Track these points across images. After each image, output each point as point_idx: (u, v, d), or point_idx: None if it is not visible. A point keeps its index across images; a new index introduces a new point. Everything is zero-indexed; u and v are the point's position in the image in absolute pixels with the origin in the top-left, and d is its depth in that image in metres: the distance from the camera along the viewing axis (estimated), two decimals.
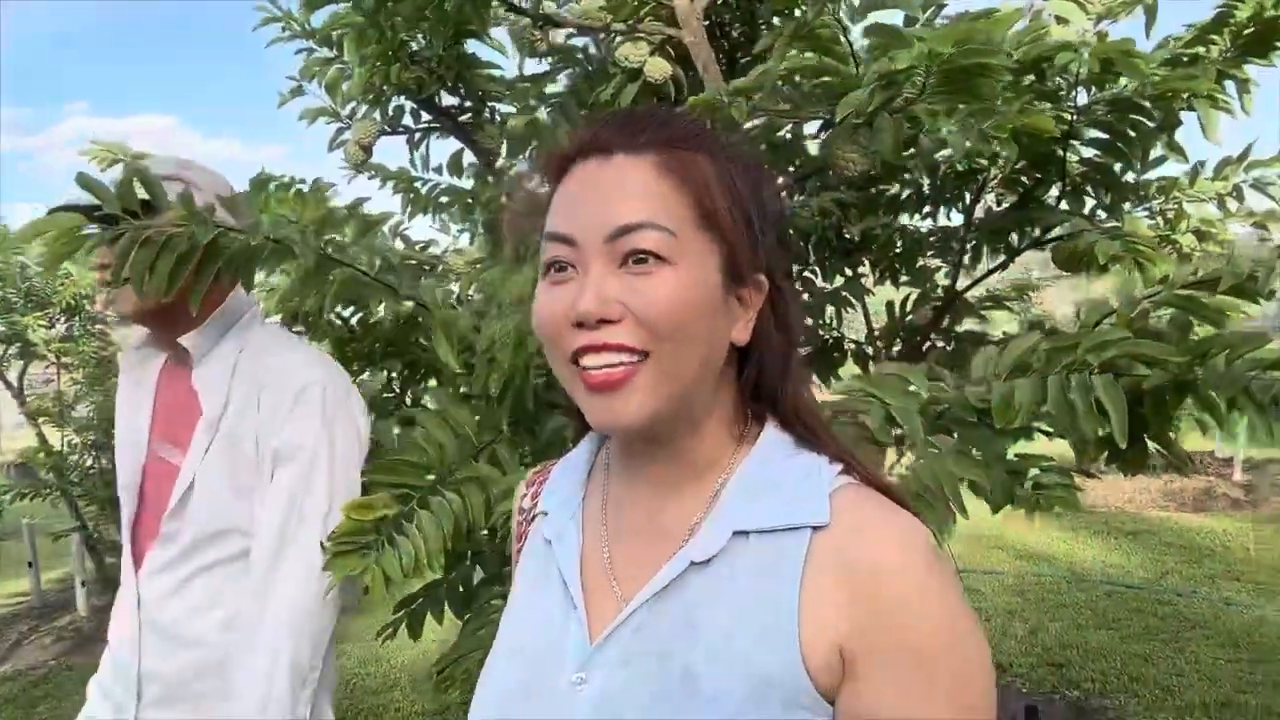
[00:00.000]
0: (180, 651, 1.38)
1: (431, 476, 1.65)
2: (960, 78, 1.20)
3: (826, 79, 1.61)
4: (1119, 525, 6.34)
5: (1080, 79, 1.79)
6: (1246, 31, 1.81)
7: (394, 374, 2.64)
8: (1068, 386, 1.37)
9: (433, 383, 2.57)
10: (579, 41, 2.36)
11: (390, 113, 2.38)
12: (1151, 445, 1.59)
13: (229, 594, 1.37)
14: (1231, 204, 2.23)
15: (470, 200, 2.56)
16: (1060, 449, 1.57)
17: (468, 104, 2.39)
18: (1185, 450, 1.78)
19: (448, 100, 2.41)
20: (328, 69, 2.20)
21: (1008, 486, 1.55)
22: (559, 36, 2.22)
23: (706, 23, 2.10)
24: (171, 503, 1.37)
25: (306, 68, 2.20)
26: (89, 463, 5.97)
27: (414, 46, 2.27)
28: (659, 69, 2.07)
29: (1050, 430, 1.64)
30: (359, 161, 2.33)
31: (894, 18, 1.66)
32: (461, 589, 1.98)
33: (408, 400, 2.58)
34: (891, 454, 1.61)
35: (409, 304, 1.78)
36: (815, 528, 0.65)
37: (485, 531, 1.93)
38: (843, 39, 1.46)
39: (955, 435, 1.54)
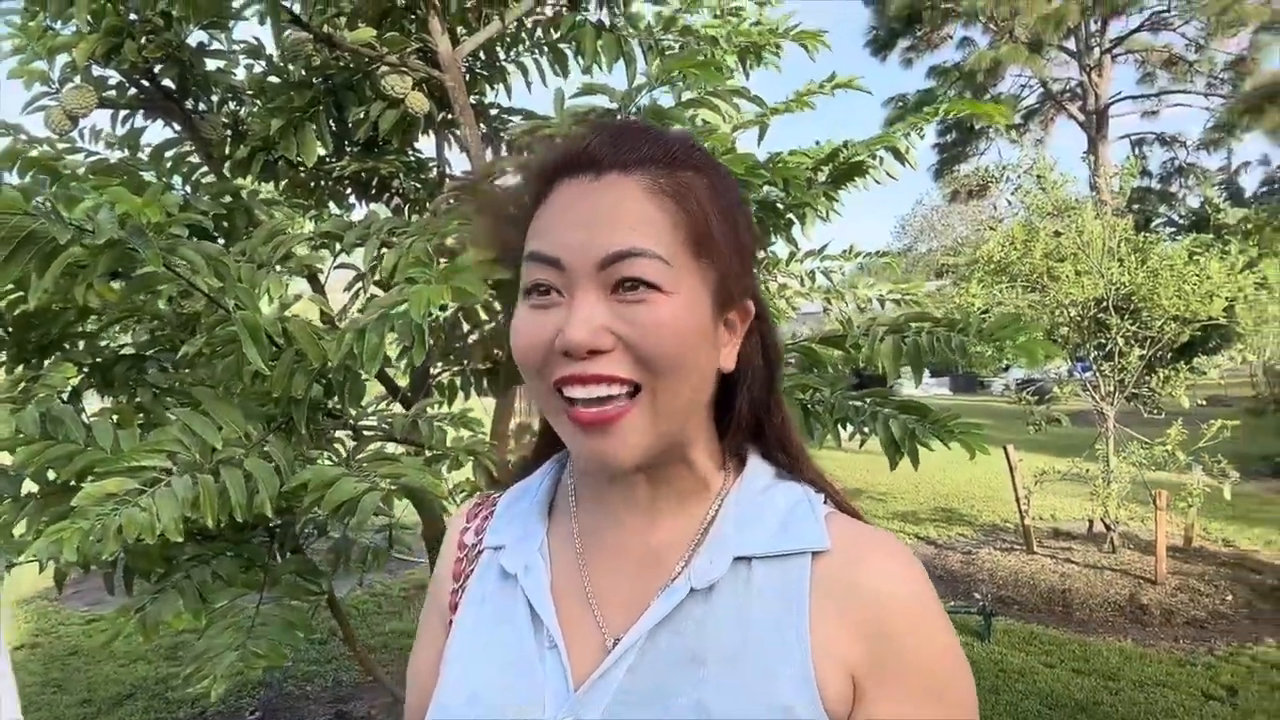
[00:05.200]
0: None
1: (173, 464, 1.65)
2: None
3: None
4: None
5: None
6: (841, 166, 2.62)
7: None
8: None
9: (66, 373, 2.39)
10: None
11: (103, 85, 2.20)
12: None
13: None
14: (808, 281, 3.12)
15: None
16: None
17: (194, 91, 2.32)
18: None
19: (166, 83, 2.30)
20: (49, 36, 1.99)
21: None
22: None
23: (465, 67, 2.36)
24: None
25: (33, 30, 1.97)
26: None
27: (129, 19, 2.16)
28: (418, 103, 2.28)
29: None
30: (64, 130, 2.13)
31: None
32: (198, 591, 1.95)
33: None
34: None
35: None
36: (815, 553, 0.64)
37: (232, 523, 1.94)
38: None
39: None
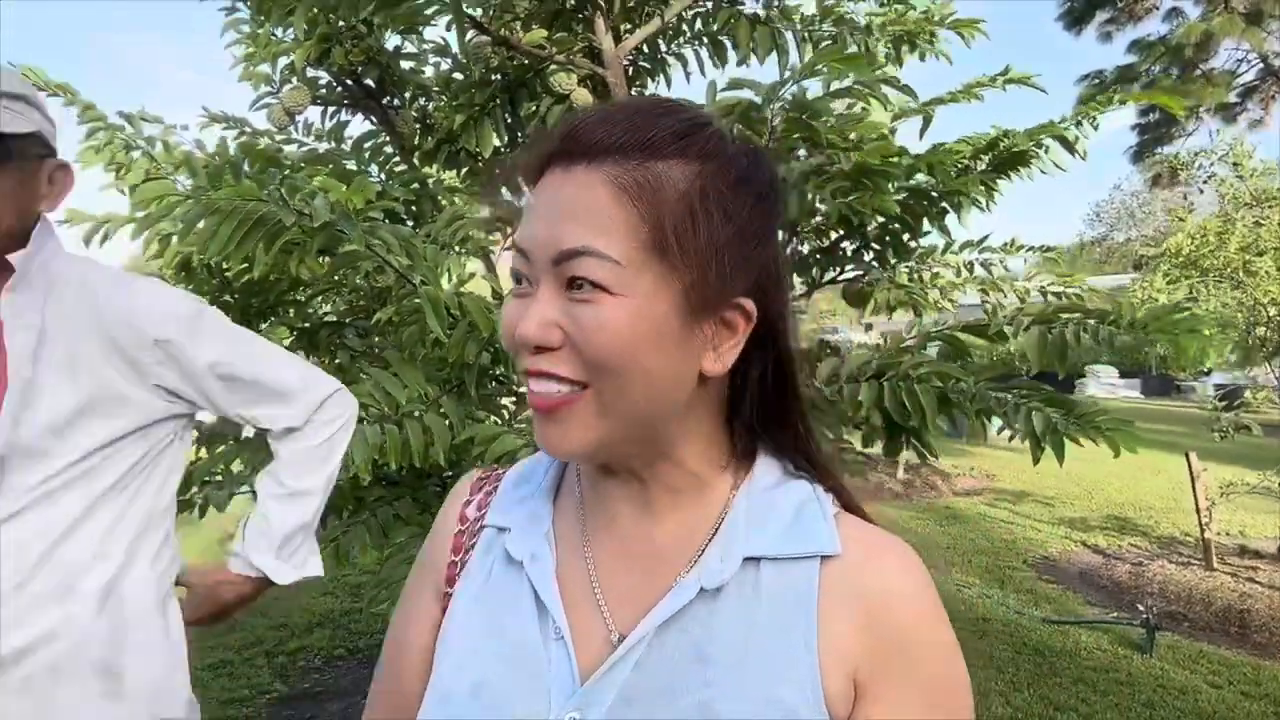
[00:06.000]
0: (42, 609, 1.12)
1: (365, 415, 1.91)
2: (869, 175, 1.76)
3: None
4: None
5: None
6: (1002, 154, 2.58)
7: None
8: (899, 391, 1.99)
9: (280, 335, 2.75)
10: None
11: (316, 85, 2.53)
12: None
13: (96, 512, 1.17)
14: (965, 272, 3.08)
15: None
16: None
17: (390, 89, 2.61)
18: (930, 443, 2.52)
19: (367, 83, 2.61)
20: (276, 43, 2.33)
21: None
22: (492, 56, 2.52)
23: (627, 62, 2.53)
24: None
25: (261, 41, 2.31)
26: None
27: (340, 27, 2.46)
28: (583, 98, 2.46)
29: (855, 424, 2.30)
30: (283, 125, 2.47)
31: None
32: (381, 527, 2.24)
33: None
34: None
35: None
36: (825, 557, 0.63)
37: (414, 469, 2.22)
38: (767, 115, 1.96)
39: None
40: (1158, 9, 21.73)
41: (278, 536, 1.30)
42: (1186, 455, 5.48)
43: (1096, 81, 21.76)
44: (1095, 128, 2.59)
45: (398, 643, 0.77)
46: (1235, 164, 5.27)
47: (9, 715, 1.10)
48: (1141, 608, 4.46)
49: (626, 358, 0.58)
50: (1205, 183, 5.59)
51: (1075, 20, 22.67)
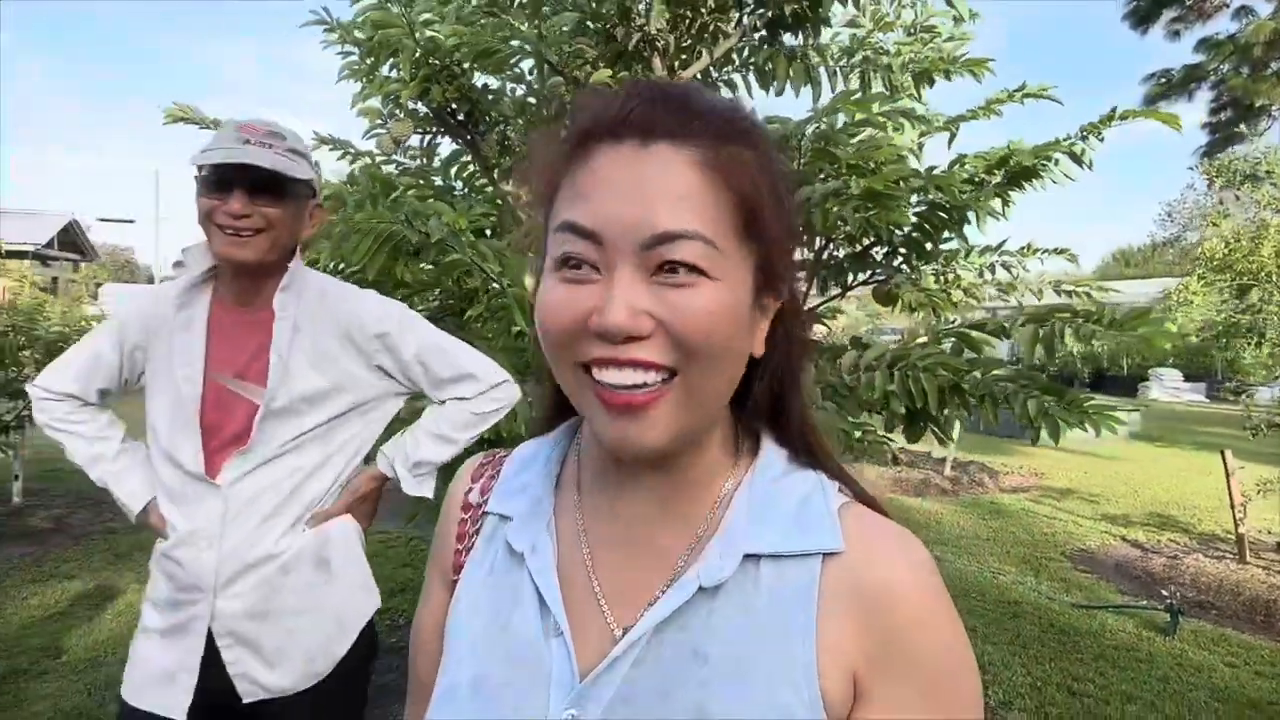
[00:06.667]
0: (278, 530, 1.53)
1: None
2: (880, 196, 2.12)
3: None
4: None
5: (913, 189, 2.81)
6: (1014, 169, 2.91)
7: None
8: (907, 379, 2.35)
9: None
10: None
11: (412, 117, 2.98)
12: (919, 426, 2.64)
13: (334, 450, 1.59)
14: (986, 274, 3.40)
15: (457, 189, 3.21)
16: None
17: (477, 119, 3.05)
18: (949, 433, 2.85)
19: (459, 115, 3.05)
20: (387, 82, 2.78)
21: (848, 439, 2.54)
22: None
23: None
24: (257, 420, 1.52)
25: (375, 82, 2.77)
26: None
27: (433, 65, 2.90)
28: None
29: (870, 408, 2.66)
30: (390, 152, 2.92)
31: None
32: None
33: None
34: None
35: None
36: (828, 554, 0.62)
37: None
38: (797, 142, 2.34)
39: (833, 403, 2.50)
40: (1227, 7, 21.20)
41: (414, 459, 1.67)
42: (1222, 453, 5.66)
43: (1163, 80, 21.34)
44: (1101, 140, 2.89)
45: (418, 633, 0.79)
46: (1268, 171, 5.41)
47: (252, 603, 1.53)
48: (1166, 593, 4.68)
49: (724, 341, 0.58)
50: (1240, 187, 5.74)
51: (1141, 19, 22.23)
